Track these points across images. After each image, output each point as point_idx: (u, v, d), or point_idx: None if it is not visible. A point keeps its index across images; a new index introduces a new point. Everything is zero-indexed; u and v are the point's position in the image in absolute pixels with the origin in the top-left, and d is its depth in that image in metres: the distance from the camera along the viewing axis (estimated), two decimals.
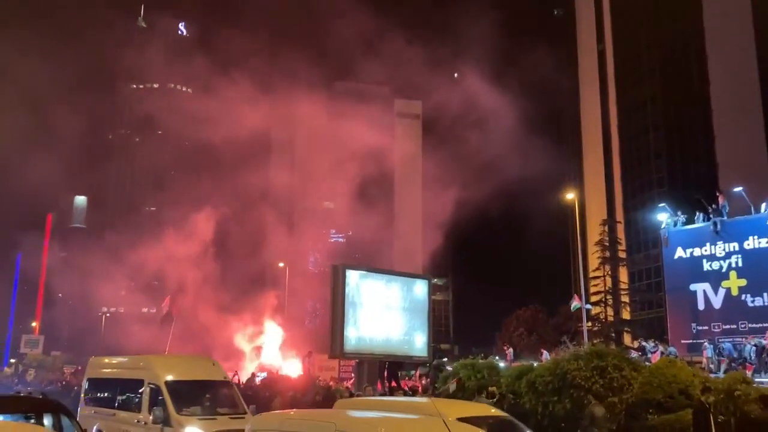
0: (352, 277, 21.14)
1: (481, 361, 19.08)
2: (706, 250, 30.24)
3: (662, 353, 24.86)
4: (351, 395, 17.57)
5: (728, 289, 29.27)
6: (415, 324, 22.35)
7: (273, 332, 39.51)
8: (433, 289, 26.18)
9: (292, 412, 8.82)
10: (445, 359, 34.59)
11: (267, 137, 66.38)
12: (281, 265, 51.17)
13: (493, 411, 9.62)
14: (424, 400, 10.37)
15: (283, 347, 39.01)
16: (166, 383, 13.53)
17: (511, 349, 36.64)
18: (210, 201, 47.86)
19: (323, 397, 17.11)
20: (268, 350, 37.94)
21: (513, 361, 31.15)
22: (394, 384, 20.77)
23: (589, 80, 73.87)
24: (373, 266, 25.87)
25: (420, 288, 22.86)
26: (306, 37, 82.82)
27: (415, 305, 22.45)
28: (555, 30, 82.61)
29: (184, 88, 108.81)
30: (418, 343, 22.40)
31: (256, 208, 49.21)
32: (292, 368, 31.97)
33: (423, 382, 23.36)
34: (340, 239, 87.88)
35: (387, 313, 21.72)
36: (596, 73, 72.59)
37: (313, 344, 35.08)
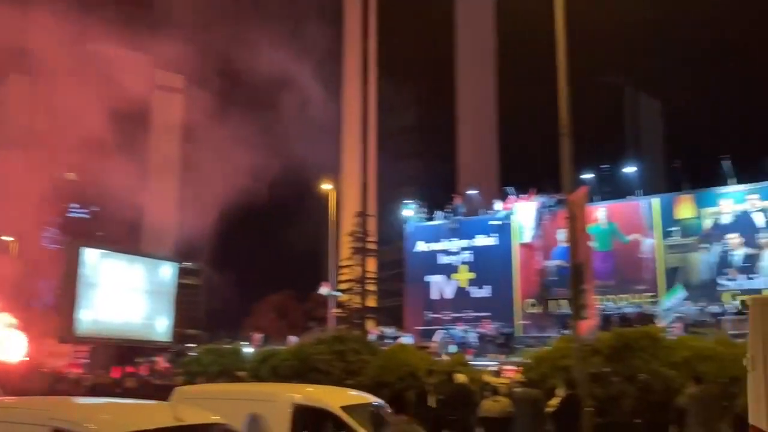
0: (90, 256, 19.59)
1: (226, 346, 18.84)
2: (442, 245, 33.18)
3: (396, 339, 26.66)
4: (78, 383, 16.24)
5: (458, 281, 32.44)
6: (158, 308, 21.38)
7: None
8: (183, 273, 25.23)
9: None
10: (192, 345, 33.59)
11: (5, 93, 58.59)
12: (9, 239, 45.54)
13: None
14: (270, 386, 10.32)
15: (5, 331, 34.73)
16: None
17: (260, 335, 36.74)
18: None
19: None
20: None
21: (261, 346, 31.26)
22: (130, 369, 19.64)
23: (353, 77, 76.70)
24: (119, 246, 24.20)
25: (167, 271, 21.92)
26: None
27: (161, 288, 21.48)
28: (322, 23, 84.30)
29: None
30: (161, 328, 21.46)
31: None
32: (16, 354, 28.66)
33: (164, 367, 22.41)
34: (84, 215, 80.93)
35: (128, 295, 20.46)
36: (360, 70, 75.60)
37: (44, 328, 31.75)
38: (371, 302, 47.14)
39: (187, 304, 60.16)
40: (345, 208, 63.35)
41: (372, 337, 28.39)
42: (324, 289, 34.98)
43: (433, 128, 66.03)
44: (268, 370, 15.77)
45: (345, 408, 8.02)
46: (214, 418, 6.28)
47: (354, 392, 9.74)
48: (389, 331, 29.87)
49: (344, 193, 66.86)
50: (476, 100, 67.65)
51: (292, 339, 28.86)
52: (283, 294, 64.08)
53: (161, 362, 25.35)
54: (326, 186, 36.71)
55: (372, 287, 47.34)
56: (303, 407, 8.15)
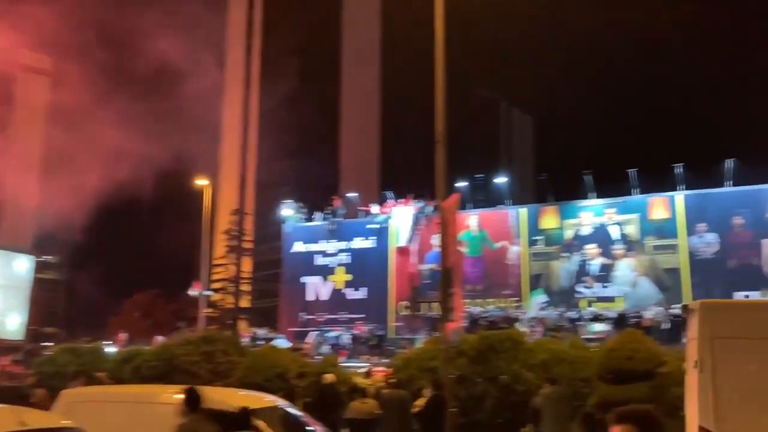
0: None
1: (84, 345, 17.81)
2: (320, 247, 33.17)
3: (268, 340, 26.33)
4: None
5: (335, 283, 32.55)
6: (10, 303, 19.86)
7: None
8: (41, 267, 23.57)
9: None
10: (48, 344, 31.45)
11: None
12: None
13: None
14: (169, 388, 9.61)
15: None
16: None
17: (125, 334, 35.10)
18: None
19: None
20: None
21: (126, 346, 29.85)
22: None
23: (236, 71, 74.96)
24: None
25: (22, 264, 20.44)
26: None
27: (14, 283, 19.97)
28: (206, 10, 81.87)
29: None
30: (12, 325, 19.95)
31: None
32: None
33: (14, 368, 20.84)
34: None
35: None
36: (243, 65, 74.08)
37: None
38: (245, 303, 46.26)
39: (45, 301, 56.34)
40: (222, 205, 61.80)
41: (245, 338, 27.89)
42: (195, 289, 33.94)
43: (316, 130, 65.89)
44: (130, 371, 15.06)
45: (253, 412, 7.63)
46: (64, 422, 5.89)
47: (259, 394, 9.24)
48: (262, 332, 29.46)
49: (222, 190, 65.27)
50: (359, 104, 68.29)
51: (159, 339, 27.78)
52: (152, 292, 61.47)
53: (6, 362, 23.54)
54: (202, 181, 35.66)
55: (246, 287, 46.45)
56: (207, 412, 7.75)
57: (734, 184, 26.68)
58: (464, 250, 29.83)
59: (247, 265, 48.91)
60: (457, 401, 11.69)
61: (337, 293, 32.43)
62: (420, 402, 11.69)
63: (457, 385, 12.20)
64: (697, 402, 6.58)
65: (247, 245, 48.59)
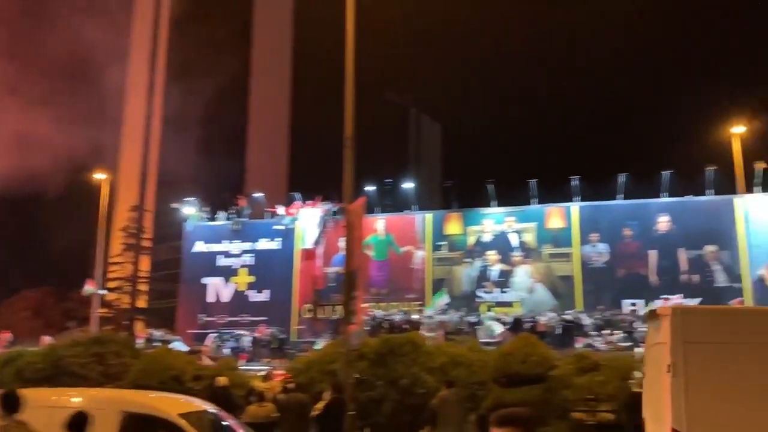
0: None
1: None
2: (223, 247, 32.44)
3: (164, 342, 25.50)
4: None
5: (237, 285, 31.92)
6: None
7: None
8: None
9: None
10: None
11: None
12: None
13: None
14: (95, 392, 8.95)
15: None
16: None
17: (8, 334, 33.00)
18: None
19: None
20: None
21: (9, 347, 28.06)
22: None
23: (140, 66, 72.25)
24: None
25: None
26: None
27: None
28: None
29: None
30: None
31: None
32: None
33: None
34: None
35: None
36: (148, 58, 71.47)
37: None
38: (142, 303, 44.71)
39: None
40: (121, 201, 59.33)
41: (140, 340, 26.92)
42: (89, 287, 32.41)
43: (224, 127, 64.54)
44: (12, 374, 14.21)
45: (183, 416, 7.17)
46: None
47: (187, 398, 8.84)
48: (159, 333, 28.46)
49: (121, 186, 62.67)
50: (269, 104, 67.35)
51: (47, 339, 26.33)
52: (42, 290, 58.14)
53: None
54: (100, 175, 34.15)
55: (144, 287, 44.92)
56: (134, 416, 7.18)
57: (625, 198, 28.20)
58: (370, 253, 30.03)
59: (145, 264, 47.27)
60: (356, 404, 11.74)
61: (239, 295, 31.81)
62: (320, 405, 11.66)
63: (357, 388, 12.25)
64: (671, 405, 6.72)
65: (146, 243, 47.00)
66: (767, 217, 26.42)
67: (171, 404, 7.64)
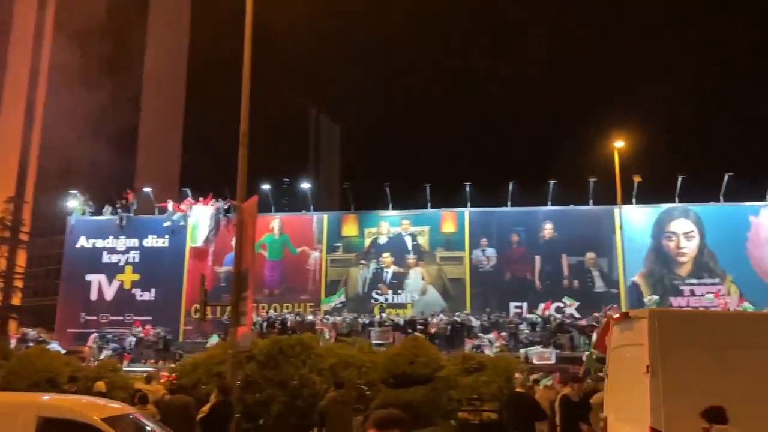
0: None
1: None
2: (108, 243, 30.96)
3: (40, 342, 24.07)
4: None
5: (122, 282, 30.55)
6: None
7: None
8: None
9: None
10: None
11: None
12: None
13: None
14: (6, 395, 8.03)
15: None
16: None
17: None
18: None
19: None
20: None
21: None
22: None
23: (23, 47, 67.72)
24: None
25: None
26: None
27: None
28: None
29: None
30: None
31: None
32: None
33: None
34: None
35: None
36: (32, 38, 67.07)
37: None
38: (16, 300, 42.00)
39: None
40: None
41: (13, 340, 25.33)
42: None
43: (113, 119, 61.61)
44: None
45: (107, 420, 6.71)
46: None
47: (107, 401, 8.33)
48: (33, 333, 26.79)
49: None
50: (163, 98, 64.86)
51: None
52: None
53: None
54: None
55: (19, 283, 42.20)
56: (52, 421, 6.65)
57: (512, 205, 29.34)
58: (264, 253, 29.61)
59: (21, 258, 44.43)
60: (243, 406, 11.53)
61: (124, 293, 30.46)
62: (206, 408, 11.35)
63: (245, 389, 12.04)
64: (650, 404, 6.90)
65: (23, 237, 44.18)
66: (642, 227, 28.30)
67: (92, 408, 7.16)
